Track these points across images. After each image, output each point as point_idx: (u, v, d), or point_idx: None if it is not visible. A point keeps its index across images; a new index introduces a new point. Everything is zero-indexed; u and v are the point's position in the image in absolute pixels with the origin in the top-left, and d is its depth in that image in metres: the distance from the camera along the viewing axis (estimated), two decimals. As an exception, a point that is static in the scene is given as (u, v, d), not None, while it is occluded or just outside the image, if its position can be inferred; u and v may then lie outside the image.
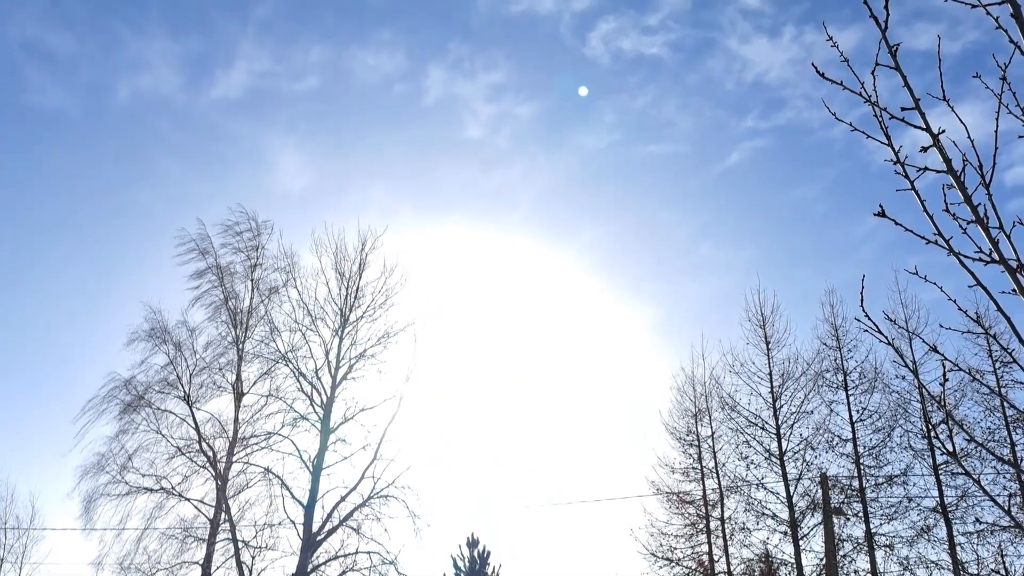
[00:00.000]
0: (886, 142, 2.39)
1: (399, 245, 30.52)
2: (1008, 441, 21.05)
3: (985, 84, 2.62)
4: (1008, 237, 2.46)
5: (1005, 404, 21.18)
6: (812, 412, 22.88)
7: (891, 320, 3.08)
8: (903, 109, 2.45)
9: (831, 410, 22.81)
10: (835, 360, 23.14)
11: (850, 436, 22.29)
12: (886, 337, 2.59)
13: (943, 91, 2.57)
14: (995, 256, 2.33)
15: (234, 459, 20.83)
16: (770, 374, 23.24)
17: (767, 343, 23.62)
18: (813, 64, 2.57)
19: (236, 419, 21.27)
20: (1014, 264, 2.32)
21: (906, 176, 2.40)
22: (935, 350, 2.67)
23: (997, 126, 2.64)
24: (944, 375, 2.56)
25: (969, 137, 2.68)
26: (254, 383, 21.91)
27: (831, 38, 2.81)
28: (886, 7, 2.56)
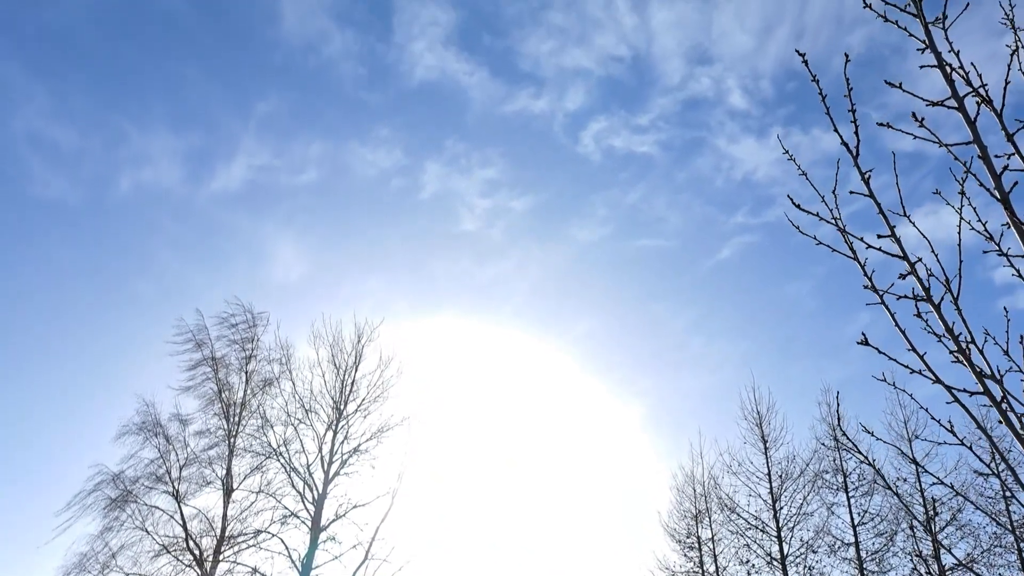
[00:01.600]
0: (863, 272, 2.53)
1: (395, 337, 30.63)
2: (1015, 547, 20.53)
3: (948, 202, 2.79)
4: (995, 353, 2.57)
5: (1010, 508, 20.78)
6: (812, 514, 22.39)
7: (862, 433, 3.13)
8: (879, 236, 2.61)
9: (831, 512, 22.33)
10: (834, 461, 22.83)
11: (852, 540, 21.73)
12: (869, 461, 2.65)
13: (904, 209, 2.74)
14: (980, 388, 2.43)
15: (221, 558, 20.17)
16: (768, 474, 22.86)
17: (764, 442, 23.35)
18: (789, 196, 2.74)
19: (224, 516, 20.73)
20: (998, 396, 2.42)
21: (882, 301, 2.53)
22: (929, 473, 2.73)
23: (960, 240, 2.79)
24: (934, 508, 2.61)
25: (935, 253, 2.83)
26: (244, 478, 21.47)
27: (787, 151, 3.01)
28: (856, 133, 2.76)
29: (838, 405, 2.95)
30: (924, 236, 2.92)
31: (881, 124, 2.51)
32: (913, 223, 2.83)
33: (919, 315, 2.57)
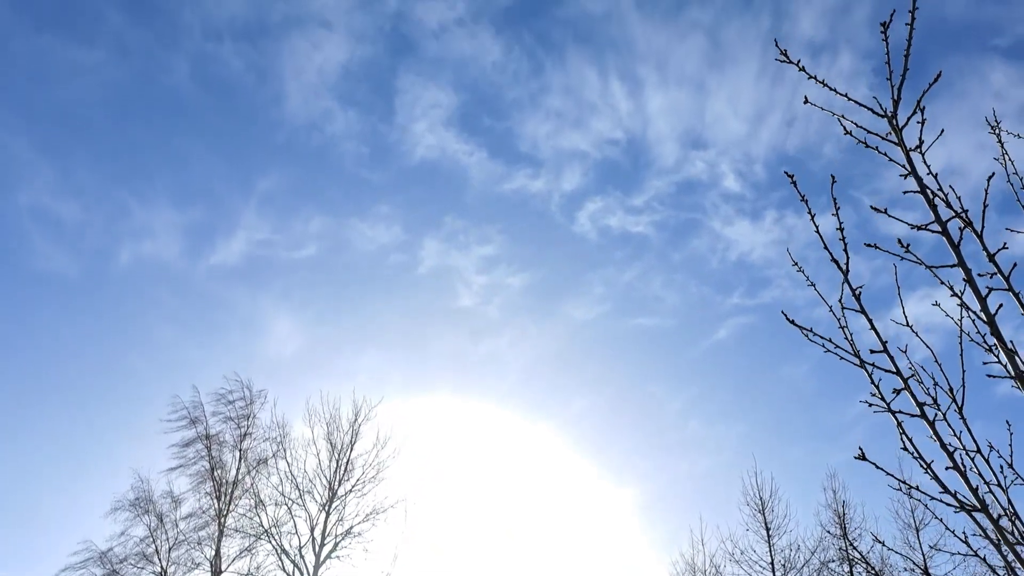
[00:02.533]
0: (871, 381, 2.57)
1: (391, 415, 30.30)
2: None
3: (945, 311, 2.84)
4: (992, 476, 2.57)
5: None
6: (819, 606, 21.66)
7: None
8: (872, 352, 2.65)
9: (839, 604, 21.60)
10: (840, 549, 22.24)
11: (860, 634, 20.96)
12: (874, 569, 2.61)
13: (905, 315, 2.79)
14: (979, 504, 2.43)
15: (205, 645, 19.45)
16: (772, 563, 22.24)
17: (767, 529, 22.81)
18: (783, 312, 2.80)
19: (211, 600, 20.10)
20: (997, 514, 2.42)
21: (890, 410, 2.55)
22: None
23: (962, 352, 2.83)
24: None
25: (937, 362, 2.87)
26: (233, 560, 20.91)
27: (796, 264, 3.08)
28: (845, 250, 2.83)
29: (843, 513, 2.92)
30: (926, 345, 2.95)
31: (875, 209, 2.59)
32: (914, 331, 2.87)
33: (923, 417, 2.59)
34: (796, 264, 3.14)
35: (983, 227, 2.62)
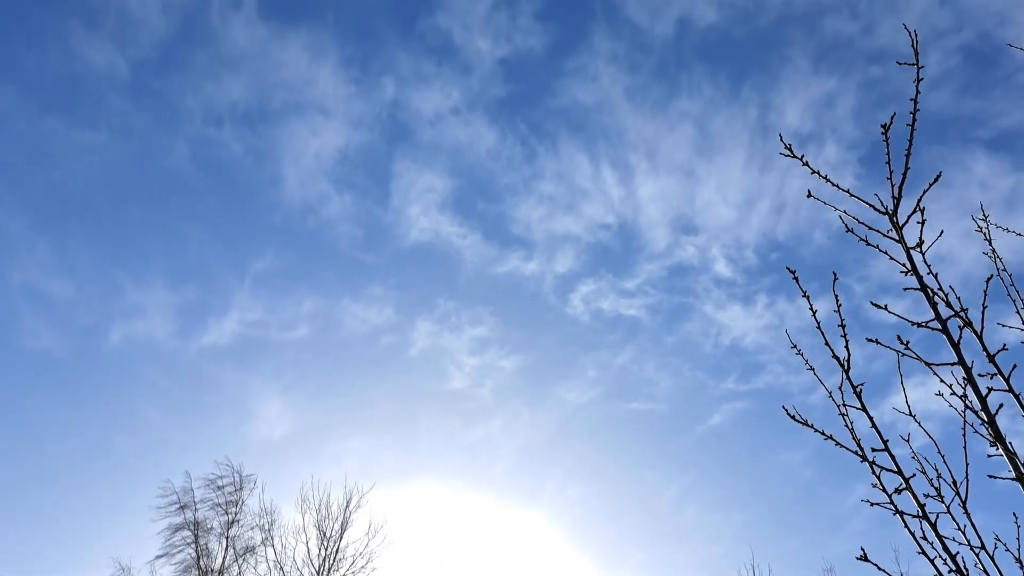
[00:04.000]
0: (877, 480, 2.52)
1: (383, 502, 29.49)
2: None
3: (947, 396, 2.81)
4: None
5: None
6: None
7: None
8: (874, 450, 2.61)
9: None
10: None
11: None
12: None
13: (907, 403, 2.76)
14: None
15: None
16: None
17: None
18: (785, 407, 2.76)
19: None
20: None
21: (897, 510, 2.49)
22: None
23: (965, 448, 2.80)
24: None
25: (941, 454, 2.83)
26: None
27: (795, 346, 3.07)
28: (846, 347, 2.82)
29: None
30: (928, 435, 2.92)
31: (876, 305, 2.58)
32: (917, 422, 2.84)
33: (925, 515, 2.53)
34: (795, 347, 3.13)
35: (983, 327, 2.63)
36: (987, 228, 3.71)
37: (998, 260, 3.63)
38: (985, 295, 2.65)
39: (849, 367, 2.75)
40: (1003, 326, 3.64)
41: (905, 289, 2.61)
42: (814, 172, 2.72)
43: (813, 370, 3.07)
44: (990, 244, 3.63)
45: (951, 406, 2.79)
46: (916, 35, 2.54)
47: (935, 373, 2.58)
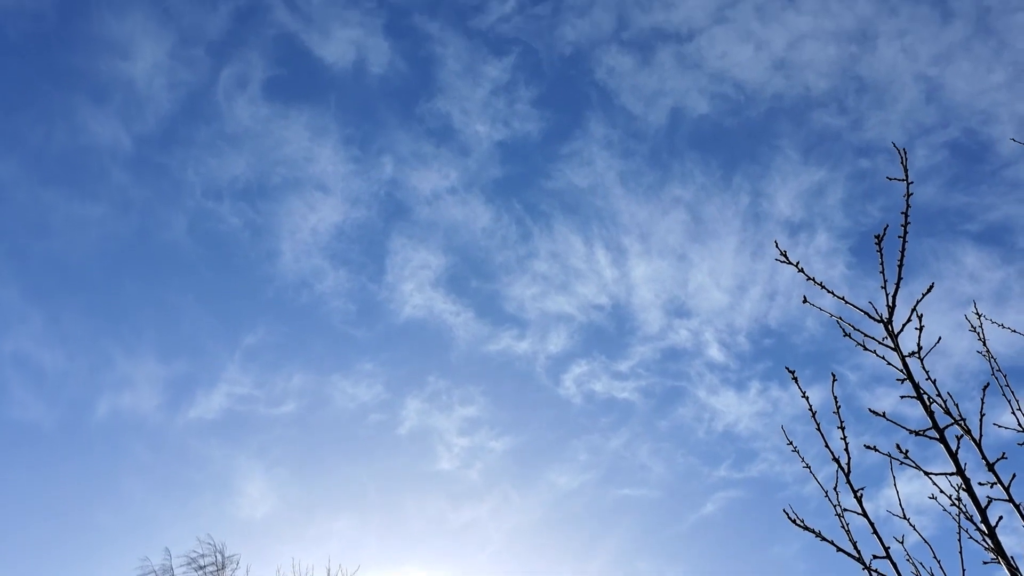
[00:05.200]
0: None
1: None
2: None
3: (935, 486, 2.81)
4: None
5: None
6: None
7: None
8: (875, 557, 2.60)
9: None
10: None
11: None
12: None
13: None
14: None
15: None
16: None
17: None
18: (786, 511, 2.76)
19: None
20: None
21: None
22: None
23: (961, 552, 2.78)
24: None
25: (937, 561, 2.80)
26: None
27: (791, 443, 3.07)
28: (846, 449, 2.83)
29: None
30: (924, 541, 2.90)
31: (874, 412, 2.60)
32: (912, 526, 2.83)
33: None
34: (791, 443, 3.14)
35: (981, 434, 2.65)
36: (981, 326, 3.77)
37: (993, 360, 3.67)
38: (983, 402, 2.68)
39: (849, 470, 2.76)
40: (999, 427, 3.66)
41: (902, 397, 2.65)
42: (809, 279, 2.79)
43: (810, 468, 3.07)
44: (984, 344, 3.68)
45: (947, 512, 2.79)
46: (905, 152, 2.65)
47: (933, 482, 2.60)
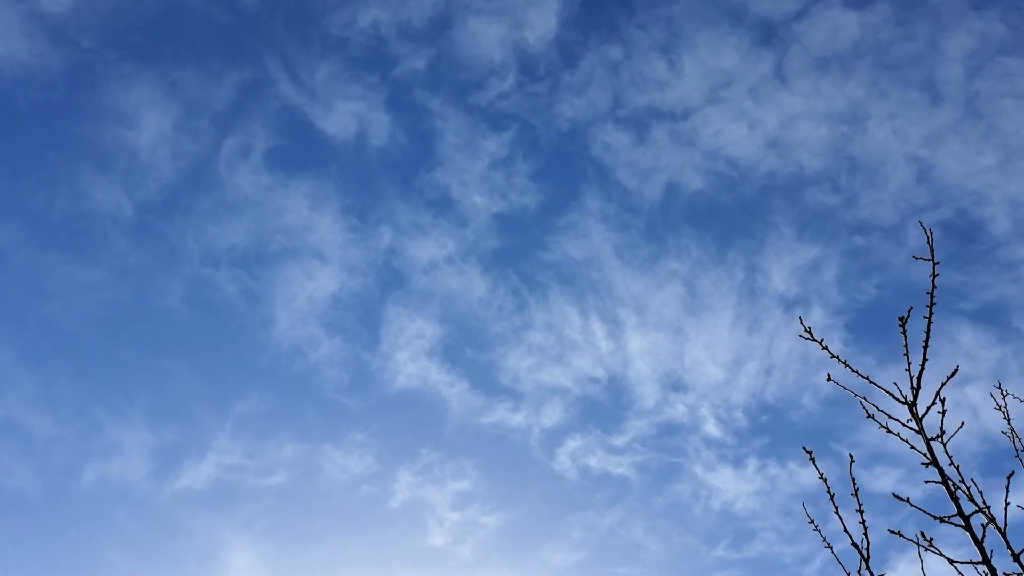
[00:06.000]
0: None
1: None
2: None
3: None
4: None
5: None
6: None
7: None
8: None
9: None
10: None
11: None
12: None
13: None
14: None
15: None
16: None
17: None
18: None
19: None
20: None
21: None
22: None
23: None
24: None
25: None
26: None
27: (812, 520, 2.99)
28: (865, 534, 2.76)
29: None
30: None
31: (898, 497, 2.54)
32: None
33: None
34: (812, 522, 3.06)
35: (1006, 523, 2.58)
36: (1006, 405, 3.70)
37: (1018, 440, 3.60)
38: (1007, 490, 2.61)
39: (869, 555, 2.68)
40: (1021, 508, 3.57)
41: (927, 482, 2.59)
42: (833, 356, 2.75)
43: (831, 548, 2.99)
44: (1008, 423, 3.61)
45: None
46: (931, 233, 2.64)
47: (959, 571, 2.51)
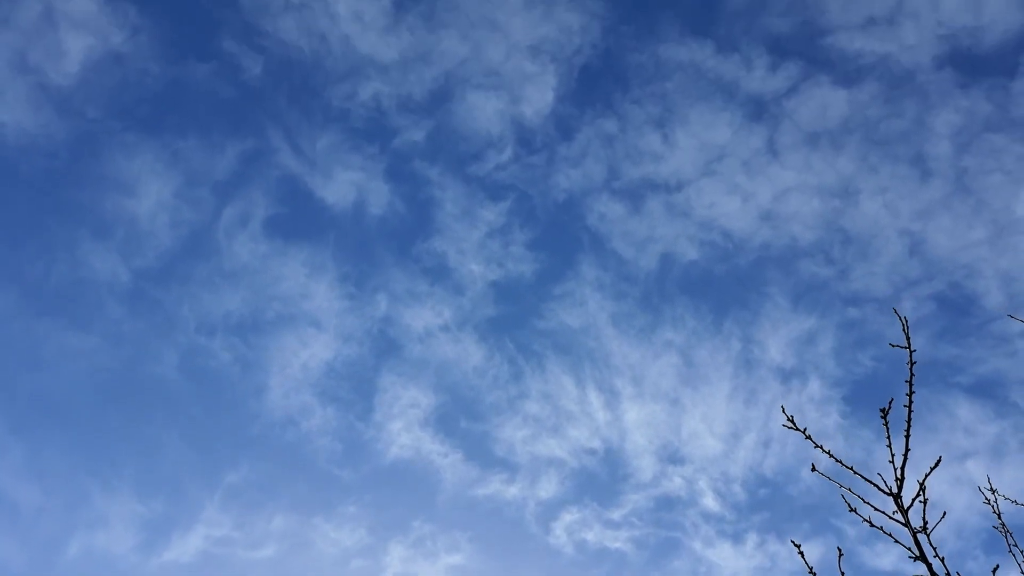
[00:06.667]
0: None
1: None
2: None
3: None
4: None
5: None
6: None
7: None
8: None
9: None
10: None
11: None
12: None
13: None
14: None
15: None
16: None
17: None
18: None
19: None
20: None
21: None
22: None
23: None
24: None
25: None
26: None
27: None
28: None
29: None
30: None
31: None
32: None
33: None
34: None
35: (1000, 623, 2.49)
36: (995, 501, 3.64)
37: (1008, 535, 3.51)
38: (1000, 588, 2.53)
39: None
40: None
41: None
42: (817, 446, 2.71)
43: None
44: (999, 517, 3.54)
45: None
46: (907, 321, 2.65)
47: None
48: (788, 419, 2.74)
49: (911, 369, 2.63)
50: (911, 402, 2.62)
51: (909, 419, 2.60)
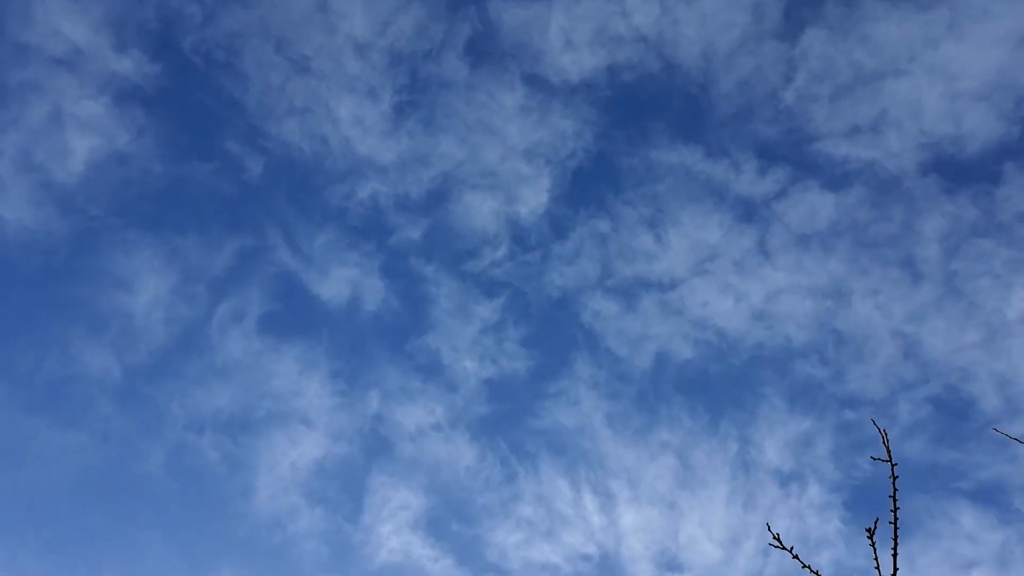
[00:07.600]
0: None
1: None
2: None
3: None
4: None
5: None
6: None
7: None
8: None
9: None
10: None
11: None
12: None
13: None
14: None
15: None
16: None
17: None
18: None
19: None
20: None
21: None
22: None
23: None
24: None
25: None
26: None
27: None
28: None
29: None
30: None
31: None
32: None
33: None
34: None
35: None
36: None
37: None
38: None
39: None
40: None
41: None
42: (805, 567, 2.64)
43: None
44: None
45: None
46: (886, 434, 2.63)
47: None
48: (774, 537, 2.67)
49: (894, 484, 2.59)
50: (896, 519, 2.56)
51: (896, 537, 2.53)
